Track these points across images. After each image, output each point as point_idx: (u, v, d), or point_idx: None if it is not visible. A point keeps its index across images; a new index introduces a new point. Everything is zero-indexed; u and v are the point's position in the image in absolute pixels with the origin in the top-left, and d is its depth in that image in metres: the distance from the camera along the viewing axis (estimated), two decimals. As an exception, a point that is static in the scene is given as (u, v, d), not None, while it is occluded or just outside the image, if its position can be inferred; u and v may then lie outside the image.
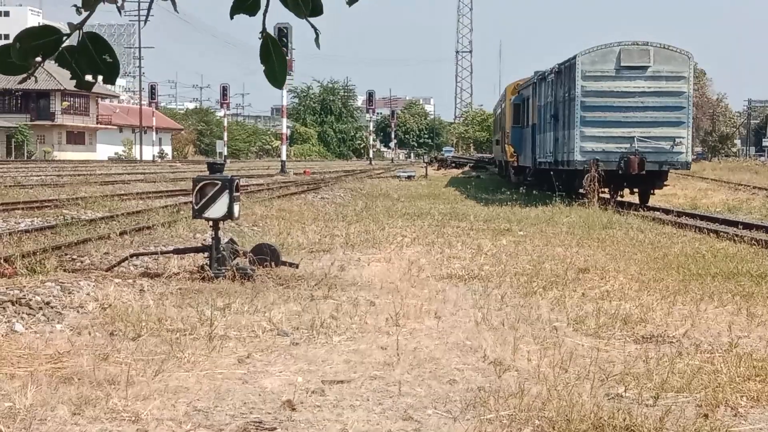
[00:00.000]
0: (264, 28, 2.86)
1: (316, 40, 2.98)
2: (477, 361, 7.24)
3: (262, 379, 6.60)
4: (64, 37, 2.59)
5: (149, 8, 3.07)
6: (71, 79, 2.68)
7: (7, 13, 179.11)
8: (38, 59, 2.59)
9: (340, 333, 8.21)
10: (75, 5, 2.64)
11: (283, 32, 50.83)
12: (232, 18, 2.85)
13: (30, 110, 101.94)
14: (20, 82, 2.73)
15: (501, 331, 8.26)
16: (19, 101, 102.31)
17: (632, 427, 5.45)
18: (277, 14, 2.90)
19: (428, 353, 7.44)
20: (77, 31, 2.61)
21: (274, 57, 2.84)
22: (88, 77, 2.66)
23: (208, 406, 5.93)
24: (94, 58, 2.63)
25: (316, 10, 2.83)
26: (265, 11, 2.82)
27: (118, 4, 2.81)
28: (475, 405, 5.97)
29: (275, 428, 5.51)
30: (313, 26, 2.94)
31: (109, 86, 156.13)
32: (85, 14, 2.65)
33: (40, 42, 2.57)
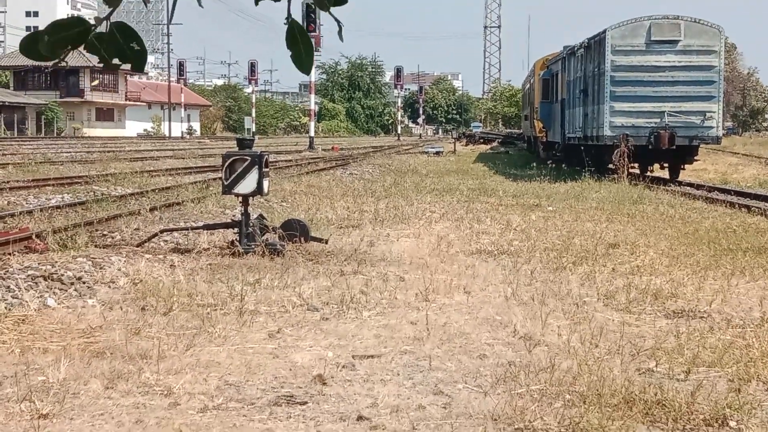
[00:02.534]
0: (289, 14, 2.84)
1: (339, 33, 2.96)
2: (507, 336, 7.24)
3: (292, 354, 6.62)
4: (93, 29, 2.60)
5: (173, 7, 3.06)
6: (99, 63, 2.70)
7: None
8: (67, 48, 2.61)
9: (369, 308, 8.22)
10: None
11: (311, 8, 50.78)
12: (257, 4, 2.85)
13: (59, 87, 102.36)
14: (50, 68, 2.76)
15: (531, 306, 8.25)
16: (49, 78, 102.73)
17: (663, 402, 5.43)
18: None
19: (458, 328, 7.44)
20: (105, 22, 2.63)
21: (301, 42, 2.83)
22: (115, 61, 2.68)
23: (239, 380, 5.96)
24: (121, 46, 2.65)
25: (340, 0, 2.81)
26: None
27: None
28: (506, 380, 5.97)
29: (306, 402, 5.53)
30: (336, 19, 2.92)
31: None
32: (110, 9, 2.67)
33: (68, 33, 2.58)
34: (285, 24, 2.83)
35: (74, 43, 2.59)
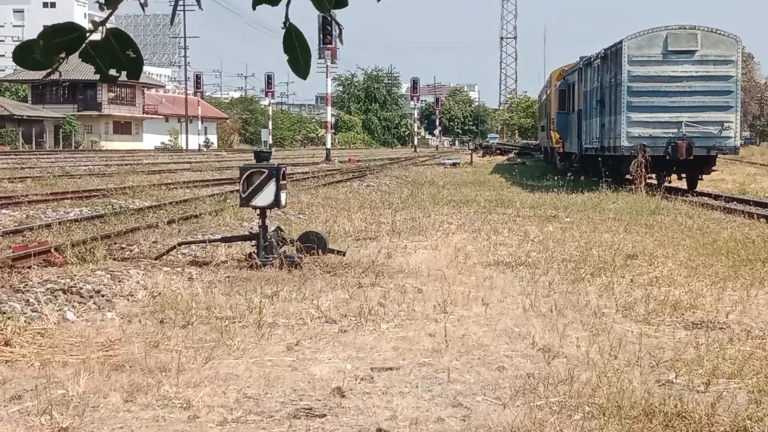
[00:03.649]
0: (287, 19, 2.85)
1: (339, 36, 2.97)
2: (526, 347, 7.23)
3: (311, 367, 6.63)
4: (87, 34, 2.59)
5: (173, 12, 3.08)
6: (95, 74, 2.69)
7: (53, 5, 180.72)
8: (62, 56, 2.60)
9: (388, 320, 8.22)
10: (98, 1, 2.66)
11: (327, 21, 50.89)
12: (254, 8, 2.85)
13: (77, 100, 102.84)
14: (44, 77, 2.75)
15: (549, 318, 8.23)
16: (67, 92, 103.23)
17: (683, 414, 5.41)
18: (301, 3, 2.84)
19: (476, 340, 7.43)
20: (102, 27, 2.62)
21: (298, 47, 2.83)
22: (112, 72, 2.67)
23: (258, 393, 5.97)
24: (117, 54, 2.64)
25: (341, 2, 2.80)
26: (288, 1, 2.81)
27: (141, 1, 2.83)
28: (525, 392, 5.96)
29: (325, 415, 5.53)
30: (336, 22, 2.93)
31: (154, 76, 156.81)
32: (107, 11, 2.67)
33: (63, 39, 2.57)
34: (282, 29, 2.83)
35: (69, 49, 2.57)
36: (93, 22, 2.59)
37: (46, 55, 2.57)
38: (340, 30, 3.29)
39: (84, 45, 2.59)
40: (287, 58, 2.85)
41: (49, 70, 2.63)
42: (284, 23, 2.84)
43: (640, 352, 6.95)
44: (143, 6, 2.89)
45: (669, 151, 26.68)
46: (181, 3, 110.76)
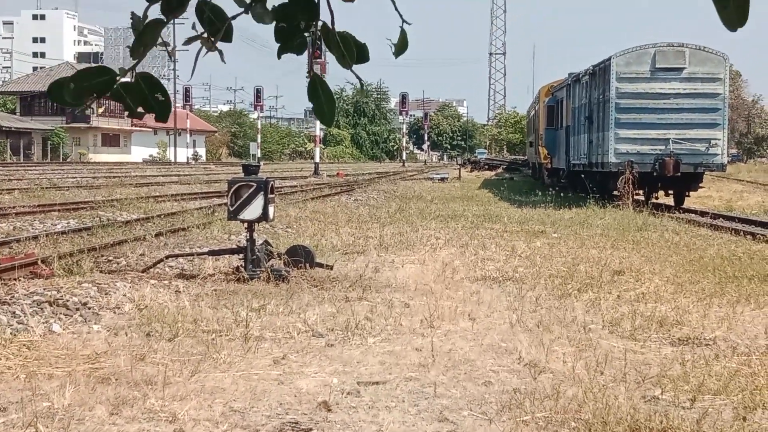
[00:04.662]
0: (311, 68, 2.88)
1: (361, 89, 3.00)
2: (512, 362, 7.23)
3: (297, 380, 6.62)
4: (118, 78, 2.65)
5: (195, 65, 3.12)
6: (124, 110, 2.75)
7: (43, 17, 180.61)
8: (93, 96, 2.66)
9: (374, 334, 8.22)
10: (128, 46, 2.72)
11: (316, 35, 50.87)
12: (279, 58, 2.88)
13: (65, 113, 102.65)
14: (78, 112, 2.81)
15: (536, 333, 8.24)
16: (55, 104, 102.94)
17: (669, 430, 5.42)
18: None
19: (463, 355, 7.44)
20: (132, 72, 2.68)
21: (322, 95, 2.85)
22: (140, 110, 2.72)
23: (244, 406, 5.96)
24: (146, 96, 2.69)
25: (363, 57, 2.83)
26: (311, 52, 2.85)
27: (168, 50, 2.86)
28: (511, 407, 5.97)
29: (311, 429, 5.53)
30: (357, 76, 2.95)
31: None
32: (134, 61, 2.72)
33: (93, 82, 2.63)
34: (306, 77, 2.86)
35: (100, 91, 2.64)
36: (122, 69, 2.66)
37: (76, 98, 2.63)
38: (362, 84, 3.36)
39: (115, 86, 2.65)
40: (312, 106, 2.88)
41: (81, 107, 2.70)
42: (308, 72, 2.87)
43: (626, 368, 6.96)
44: (170, 55, 2.93)
45: (656, 168, 26.77)
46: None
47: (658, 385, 6.50)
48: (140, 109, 2.70)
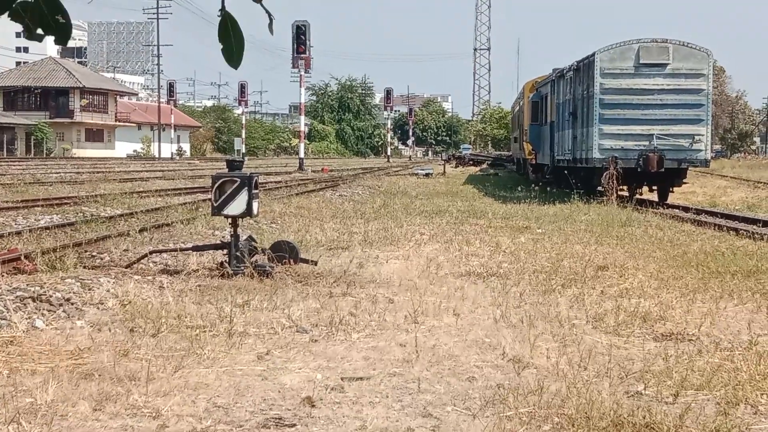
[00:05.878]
0: (223, 6, 2.83)
1: (270, 25, 2.95)
2: (496, 358, 7.24)
3: (281, 376, 6.61)
4: None
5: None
6: (23, 32, 2.71)
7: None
8: None
9: (359, 330, 8.22)
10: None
11: (301, 30, 50.90)
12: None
13: (49, 108, 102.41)
14: None
15: (520, 329, 8.25)
16: (39, 99, 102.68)
17: (652, 425, 5.43)
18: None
19: (447, 350, 7.44)
20: None
21: (233, 36, 2.82)
22: (39, 32, 2.67)
23: (227, 402, 5.95)
24: (45, 17, 2.64)
25: None
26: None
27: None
28: (495, 402, 5.97)
29: (295, 424, 5.52)
30: (267, 11, 2.91)
31: (127, 84, 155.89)
32: None
33: None
34: (218, 16, 2.82)
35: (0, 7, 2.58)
36: None
37: None
38: (271, 20, 3.25)
39: (14, 5, 2.59)
40: (221, 47, 2.83)
41: None
42: (220, 11, 2.82)
43: (609, 363, 6.97)
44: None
45: (640, 164, 26.84)
46: (154, 11, 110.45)
47: (642, 381, 6.52)
48: (39, 31, 2.65)
